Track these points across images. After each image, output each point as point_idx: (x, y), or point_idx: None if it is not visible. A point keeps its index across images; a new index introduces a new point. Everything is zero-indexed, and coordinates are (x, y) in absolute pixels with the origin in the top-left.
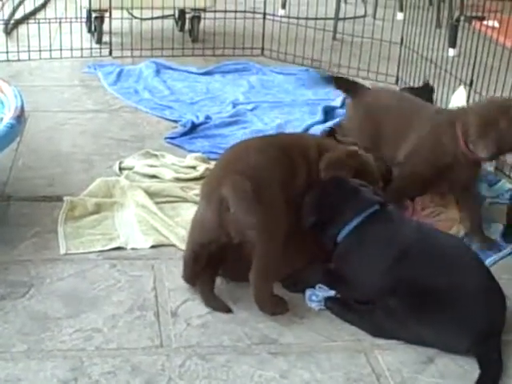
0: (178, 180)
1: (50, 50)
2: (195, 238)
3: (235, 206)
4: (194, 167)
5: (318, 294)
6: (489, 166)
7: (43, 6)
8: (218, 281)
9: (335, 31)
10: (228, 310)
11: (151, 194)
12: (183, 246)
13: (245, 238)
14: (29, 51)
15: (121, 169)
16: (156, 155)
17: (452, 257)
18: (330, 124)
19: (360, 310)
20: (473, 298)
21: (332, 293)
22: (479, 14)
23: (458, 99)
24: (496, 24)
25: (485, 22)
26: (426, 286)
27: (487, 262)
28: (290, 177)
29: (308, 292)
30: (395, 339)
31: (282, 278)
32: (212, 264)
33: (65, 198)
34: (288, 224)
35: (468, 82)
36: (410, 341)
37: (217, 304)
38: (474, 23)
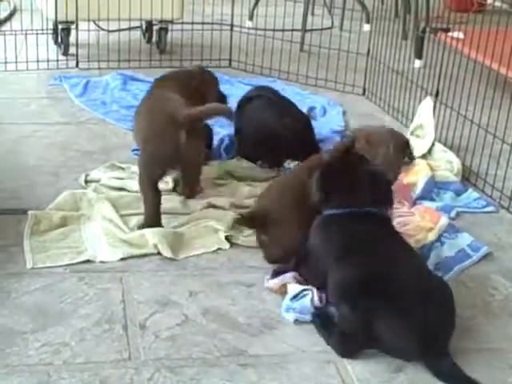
0: None
1: (16, 62)
2: (154, 170)
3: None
4: None
5: (295, 307)
6: None
7: (9, 17)
8: (187, 293)
9: (302, 43)
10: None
11: (118, 207)
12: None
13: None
14: None
15: (87, 181)
16: (122, 167)
17: (401, 265)
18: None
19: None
20: (415, 303)
21: (306, 304)
22: (444, 25)
23: (425, 110)
24: (461, 35)
25: (450, 34)
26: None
27: (455, 269)
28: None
29: (285, 305)
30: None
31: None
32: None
33: (29, 212)
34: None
35: (434, 92)
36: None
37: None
38: (439, 35)
